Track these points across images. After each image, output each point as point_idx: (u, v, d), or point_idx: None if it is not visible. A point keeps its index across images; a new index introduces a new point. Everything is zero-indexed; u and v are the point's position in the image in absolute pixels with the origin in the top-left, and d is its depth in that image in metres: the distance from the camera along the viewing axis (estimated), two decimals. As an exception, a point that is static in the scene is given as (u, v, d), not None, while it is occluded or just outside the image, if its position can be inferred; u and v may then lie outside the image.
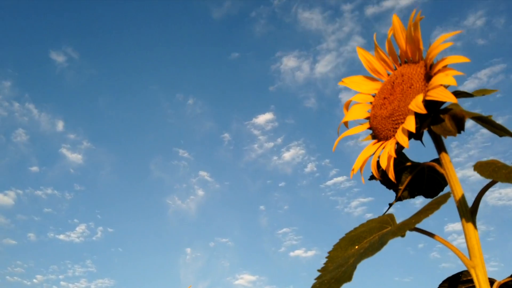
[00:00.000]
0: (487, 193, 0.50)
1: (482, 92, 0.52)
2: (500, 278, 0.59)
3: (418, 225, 0.47)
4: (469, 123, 0.49)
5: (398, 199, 0.65)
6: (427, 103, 0.50)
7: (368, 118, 0.61)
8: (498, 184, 0.48)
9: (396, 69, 0.58)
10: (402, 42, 0.55)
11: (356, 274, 0.44)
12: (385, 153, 0.53)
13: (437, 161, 0.54)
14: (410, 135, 0.53)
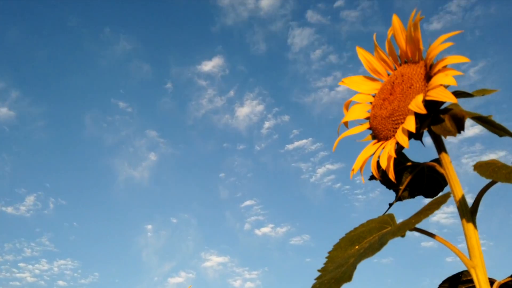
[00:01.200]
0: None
1: (482, 92, 0.52)
2: (500, 278, 0.59)
3: (417, 225, 0.47)
4: (468, 122, 0.49)
5: (398, 199, 0.65)
6: (427, 103, 0.50)
7: (368, 118, 0.61)
8: (498, 184, 0.48)
9: (396, 69, 0.58)
10: (402, 42, 0.55)
11: (356, 274, 0.44)
12: (385, 153, 0.53)
13: (437, 161, 0.54)
14: (410, 135, 0.53)
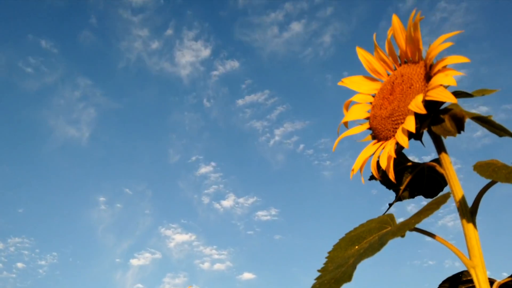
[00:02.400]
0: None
1: (482, 92, 0.52)
2: (500, 278, 0.59)
3: (417, 225, 0.47)
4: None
5: (398, 199, 0.65)
6: (427, 103, 0.50)
7: (368, 118, 0.60)
8: (498, 184, 0.48)
9: (396, 69, 0.58)
10: (402, 42, 0.55)
11: (356, 274, 0.44)
12: (385, 153, 0.53)
13: (437, 161, 0.54)
14: (410, 135, 0.53)
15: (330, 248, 0.54)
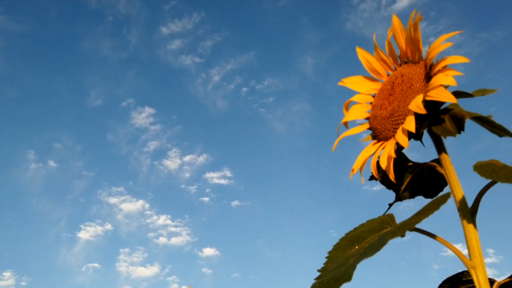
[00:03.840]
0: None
1: (482, 92, 0.52)
2: (500, 278, 0.59)
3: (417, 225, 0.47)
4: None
5: (398, 199, 0.65)
6: (427, 104, 0.50)
7: (368, 118, 0.61)
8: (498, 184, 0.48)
9: (396, 69, 0.58)
10: (402, 42, 0.55)
11: (356, 274, 0.44)
12: (385, 154, 0.53)
13: (437, 161, 0.54)
14: (410, 136, 0.53)
15: (331, 248, 0.54)
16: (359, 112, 0.61)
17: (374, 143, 0.57)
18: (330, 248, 0.54)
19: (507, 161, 0.47)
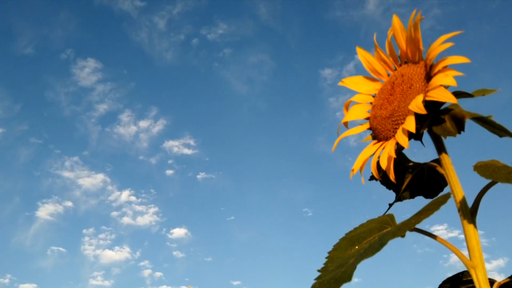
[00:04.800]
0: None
1: (482, 92, 0.52)
2: (500, 279, 0.59)
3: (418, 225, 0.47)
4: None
5: (398, 199, 0.65)
6: (427, 104, 0.50)
7: (368, 118, 0.61)
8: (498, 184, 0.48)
9: (396, 69, 0.58)
10: (402, 42, 0.55)
11: (356, 273, 0.44)
12: (385, 154, 0.53)
13: (437, 161, 0.54)
14: (410, 136, 0.53)
15: (331, 248, 0.54)
16: (359, 112, 0.61)
17: (374, 143, 0.57)
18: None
19: (507, 161, 0.47)
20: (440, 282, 0.64)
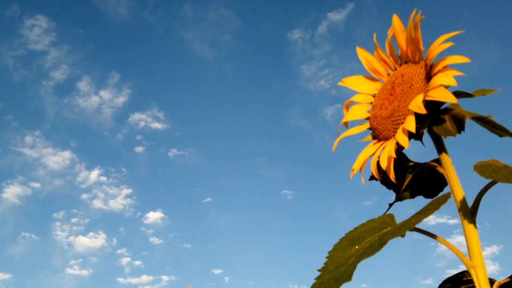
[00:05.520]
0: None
1: (482, 92, 0.52)
2: (500, 279, 0.59)
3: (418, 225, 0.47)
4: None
5: (398, 199, 0.65)
6: (427, 103, 0.50)
7: (368, 118, 0.61)
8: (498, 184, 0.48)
9: (396, 69, 0.58)
10: (402, 42, 0.55)
11: (356, 273, 0.44)
12: (385, 154, 0.53)
13: (437, 161, 0.54)
14: (410, 135, 0.53)
15: (331, 248, 0.54)
16: (359, 112, 0.61)
17: (374, 143, 0.57)
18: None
19: (507, 161, 0.47)
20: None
